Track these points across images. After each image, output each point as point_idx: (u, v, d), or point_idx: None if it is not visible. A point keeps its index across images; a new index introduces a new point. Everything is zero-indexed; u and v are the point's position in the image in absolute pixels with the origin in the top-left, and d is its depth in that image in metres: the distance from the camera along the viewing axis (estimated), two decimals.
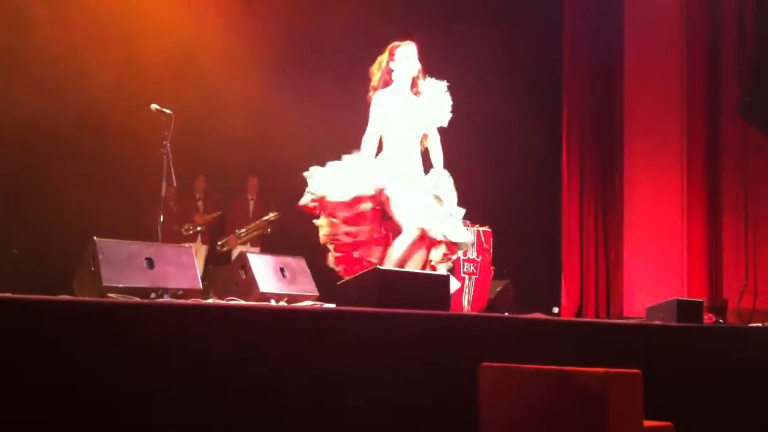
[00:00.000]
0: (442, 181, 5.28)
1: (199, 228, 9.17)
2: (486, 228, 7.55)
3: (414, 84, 5.40)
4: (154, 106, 6.05)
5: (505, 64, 9.05)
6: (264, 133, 8.49)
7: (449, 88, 5.47)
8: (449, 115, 5.40)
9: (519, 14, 9.51)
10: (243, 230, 9.23)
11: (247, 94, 8.20)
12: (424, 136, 5.43)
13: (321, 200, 5.15)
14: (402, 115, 5.29)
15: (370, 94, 5.42)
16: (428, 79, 5.44)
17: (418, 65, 5.38)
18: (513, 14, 9.47)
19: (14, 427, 2.42)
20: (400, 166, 5.23)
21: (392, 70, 5.37)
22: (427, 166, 5.45)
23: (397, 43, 5.41)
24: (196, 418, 2.78)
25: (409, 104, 5.34)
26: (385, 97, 5.34)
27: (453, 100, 5.45)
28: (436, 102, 5.38)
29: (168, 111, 6.00)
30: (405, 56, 5.36)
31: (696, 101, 9.21)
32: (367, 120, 5.39)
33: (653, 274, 9.24)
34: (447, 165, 5.49)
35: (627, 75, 9.83)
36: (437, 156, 5.44)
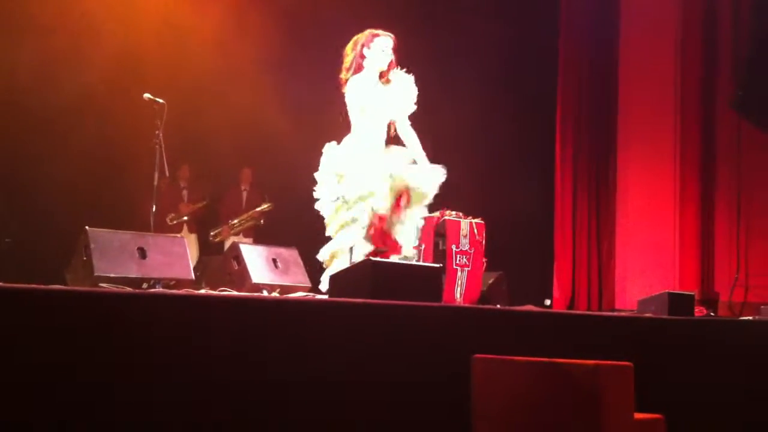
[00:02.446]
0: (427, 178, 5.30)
1: (184, 218, 9.06)
2: (478, 220, 7.53)
3: (382, 75, 5.40)
4: (147, 95, 6.03)
5: (499, 57, 9.03)
6: (258, 123, 8.46)
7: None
8: (414, 106, 5.43)
9: (515, 6, 9.50)
10: (236, 221, 9.18)
11: (241, 84, 8.17)
12: (391, 124, 5.44)
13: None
14: (371, 102, 5.30)
15: (342, 75, 5.41)
16: (396, 69, 5.43)
17: (390, 59, 5.38)
18: (509, 7, 9.46)
19: (6, 424, 2.42)
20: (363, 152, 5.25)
21: (365, 57, 5.36)
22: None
23: (377, 31, 5.40)
24: (191, 408, 2.78)
25: (378, 92, 5.34)
26: (357, 83, 5.35)
27: (447, 91, 5.45)
28: (404, 92, 5.39)
29: (161, 100, 5.99)
30: (380, 49, 5.35)
31: (690, 95, 9.21)
32: None
33: (645, 266, 9.26)
34: (440, 156, 5.49)
35: (622, 67, 9.81)
36: (416, 144, 5.45)
